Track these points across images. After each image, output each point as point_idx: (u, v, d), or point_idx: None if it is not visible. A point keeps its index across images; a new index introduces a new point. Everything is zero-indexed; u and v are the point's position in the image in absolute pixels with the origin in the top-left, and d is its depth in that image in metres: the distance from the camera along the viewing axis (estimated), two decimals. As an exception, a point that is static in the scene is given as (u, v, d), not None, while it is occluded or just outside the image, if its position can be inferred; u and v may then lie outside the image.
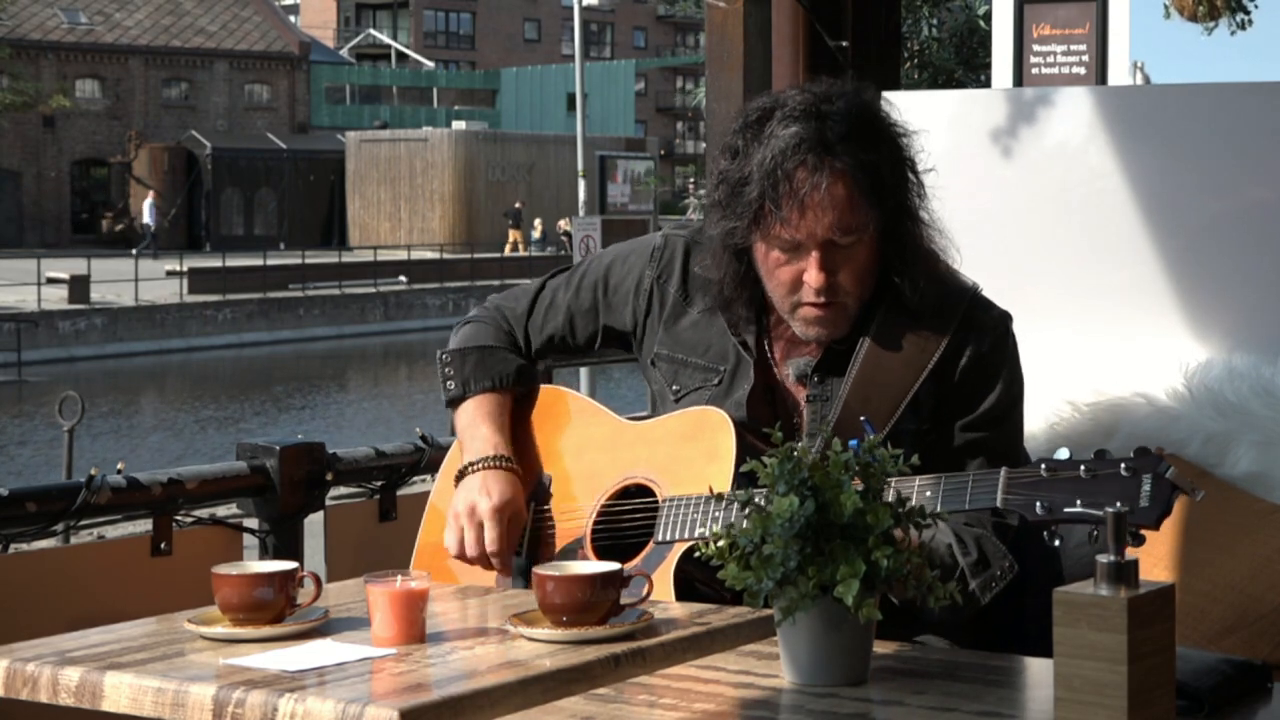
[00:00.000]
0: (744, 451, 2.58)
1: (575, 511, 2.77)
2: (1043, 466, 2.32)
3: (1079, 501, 2.25)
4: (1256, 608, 2.98)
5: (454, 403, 2.91)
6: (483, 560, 2.73)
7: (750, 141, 2.61)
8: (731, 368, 2.74)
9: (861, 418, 2.47)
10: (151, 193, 46.49)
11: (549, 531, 2.80)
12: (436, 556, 2.87)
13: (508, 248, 45.30)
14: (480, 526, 2.72)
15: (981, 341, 2.67)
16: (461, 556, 2.74)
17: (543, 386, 2.94)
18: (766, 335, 2.75)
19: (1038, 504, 2.30)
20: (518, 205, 46.92)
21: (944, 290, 2.69)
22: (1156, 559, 3.06)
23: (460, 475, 2.80)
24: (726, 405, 2.71)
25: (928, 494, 2.43)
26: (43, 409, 23.31)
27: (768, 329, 2.74)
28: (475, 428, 2.85)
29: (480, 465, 2.79)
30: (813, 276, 2.59)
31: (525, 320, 2.95)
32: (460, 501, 2.76)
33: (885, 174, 2.60)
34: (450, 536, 2.75)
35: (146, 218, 45.34)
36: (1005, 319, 2.71)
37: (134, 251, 40.53)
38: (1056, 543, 2.30)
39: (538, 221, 46.67)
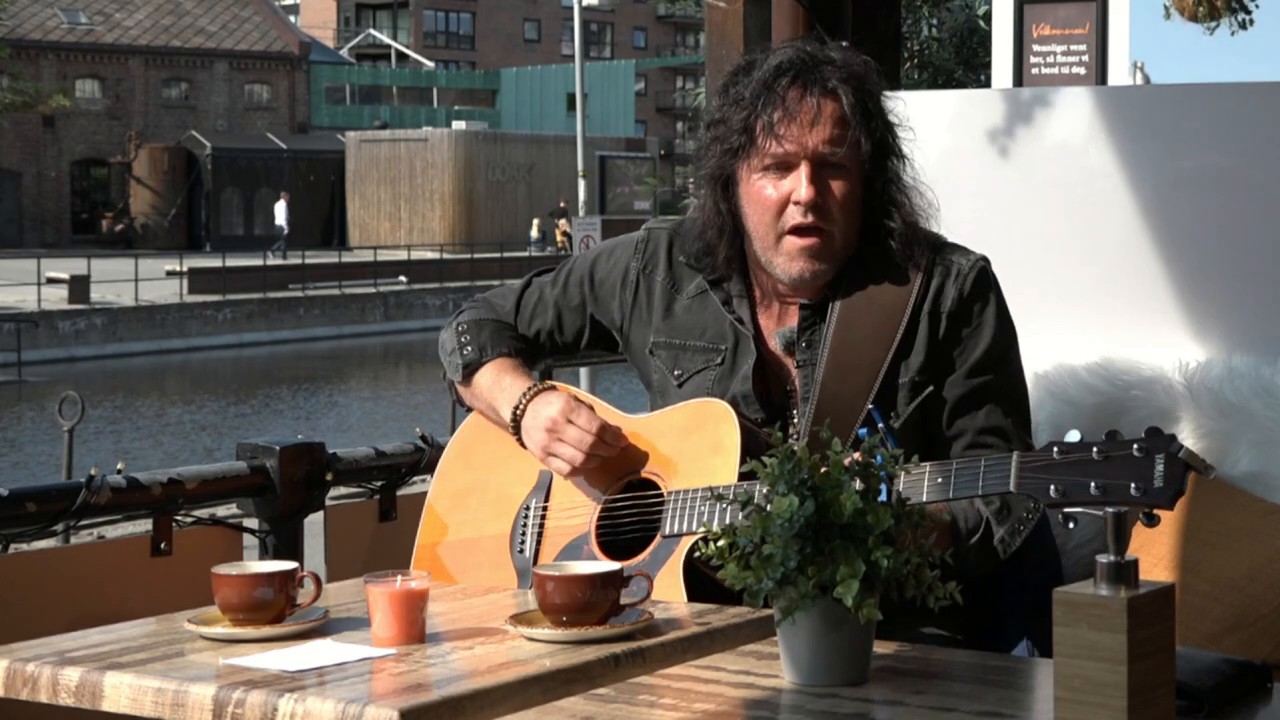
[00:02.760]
0: (747, 435, 2.59)
1: (579, 508, 2.77)
2: (1055, 449, 2.30)
3: (1093, 484, 2.24)
4: (1256, 608, 2.98)
5: (470, 367, 2.89)
6: (590, 456, 2.69)
7: (742, 80, 2.68)
8: (732, 345, 2.75)
9: (869, 406, 2.48)
10: (285, 194, 46.59)
11: (553, 528, 2.79)
12: (436, 557, 2.87)
13: (560, 239, 45.37)
14: (567, 431, 2.70)
15: (962, 283, 2.69)
16: (577, 471, 2.71)
17: (546, 383, 2.94)
18: (755, 311, 2.76)
19: (1051, 487, 2.29)
20: (562, 204, 46.94)
21: (909, 239, 2.70)
22: (1156, 559, 3.06)
23: (515, 425, 2.79)
24: (733, 383, 2.72)
25: (939, 481, 2.43)
26: (43, 409, 23.31)
27: (756, 304, 2.76)
28: (499, 381, 2.85)
29: (524, 402, 2.78)
30: (803, 191, 2.62)
31: (513, 318, 2.96)
32: (534, 439, 2.75)
33: (874, 107, 2.65)
34: (557, 464, 2.73)
35: (280, 219, 45.35)
36: (982, 259, 2.73)
37: (271, 250, 40.67)
38: (1071, 525, 2.29)
39: (536, 221, 46.65)
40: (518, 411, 2.79)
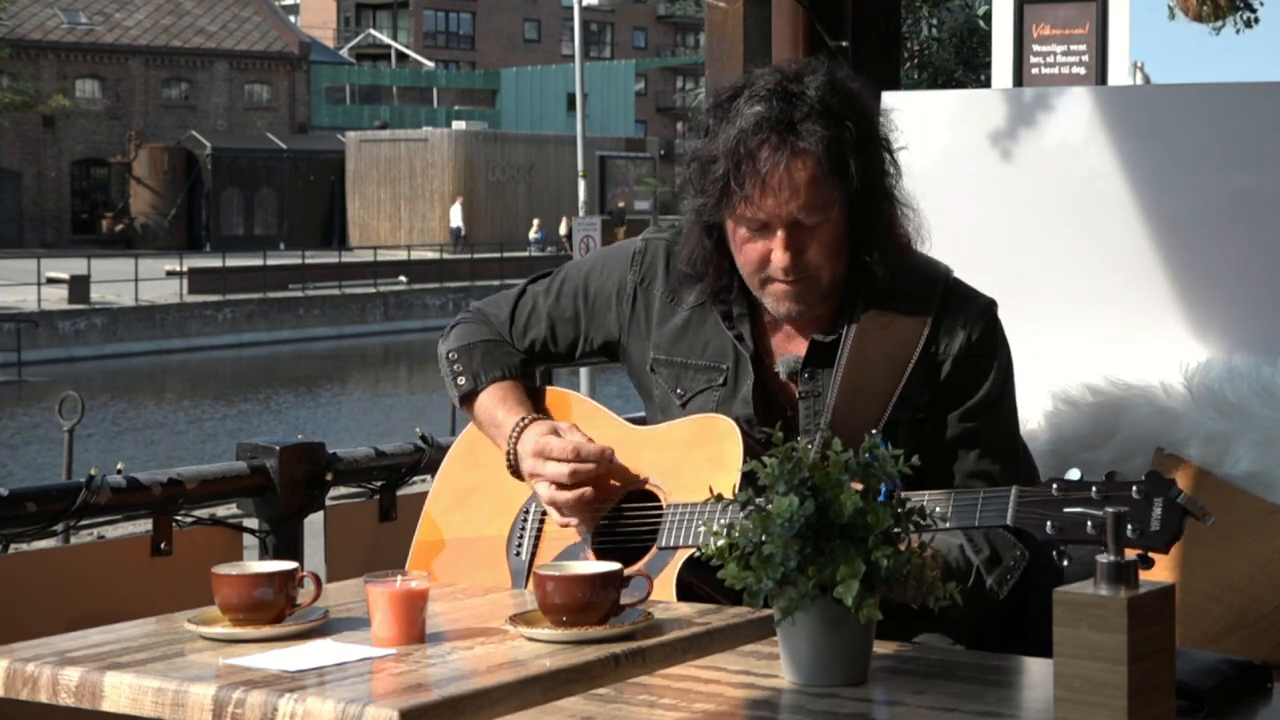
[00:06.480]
0: (750, 453, 2.58)
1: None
2: (1054, 486, 2.31)
3: (1090, 523, 2.25)
4: (1256, 608, 2.98)
5: (467, 397, 2.89)
6: (577, 500, 2.68)
7: (719, 121, 2.63)
8: (733, 365, 2.73)
9: (872, 430, 2.47)
10: (460, 197, 46.85)
11: (551, 533, 2.79)
12: (432, 554, 2.87)
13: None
14: (551, 448, 2.70)
15: (972, 329, 2.67)
16: (564, 490, 2.69)
17: (547, 389, 2.93)
18: (759, 328, 2.75)
19: (1049, 524, 2.29)
20: (620, 205, 46.79)
21: (918, 276, 2.70)
22: (1156, 559, 3.06)
23: (512, 467, 2.78)
24: (734, 404, 2.71)
25: (937, 510, 2.42)
26: (43, 409, 23.31)
27: (760, 322, 2.75)
28: (493, 416, 2.84)
29: (514, 440, 2.77)
30: (779, 256, 2.60)
31: (508, 327, 2.93)
32: (524, 467, 2.75)
33: (851, 151, 2.59)
34: (542, 488, 2.72)
35: (457, 220, 45.48)
36: (992, 306, 2.72)
37: (442, 255, 40.88)
38: (1065, 562, 2.30)
39: (536, 221, 46.63)
40: (510, 455, 2.79)
